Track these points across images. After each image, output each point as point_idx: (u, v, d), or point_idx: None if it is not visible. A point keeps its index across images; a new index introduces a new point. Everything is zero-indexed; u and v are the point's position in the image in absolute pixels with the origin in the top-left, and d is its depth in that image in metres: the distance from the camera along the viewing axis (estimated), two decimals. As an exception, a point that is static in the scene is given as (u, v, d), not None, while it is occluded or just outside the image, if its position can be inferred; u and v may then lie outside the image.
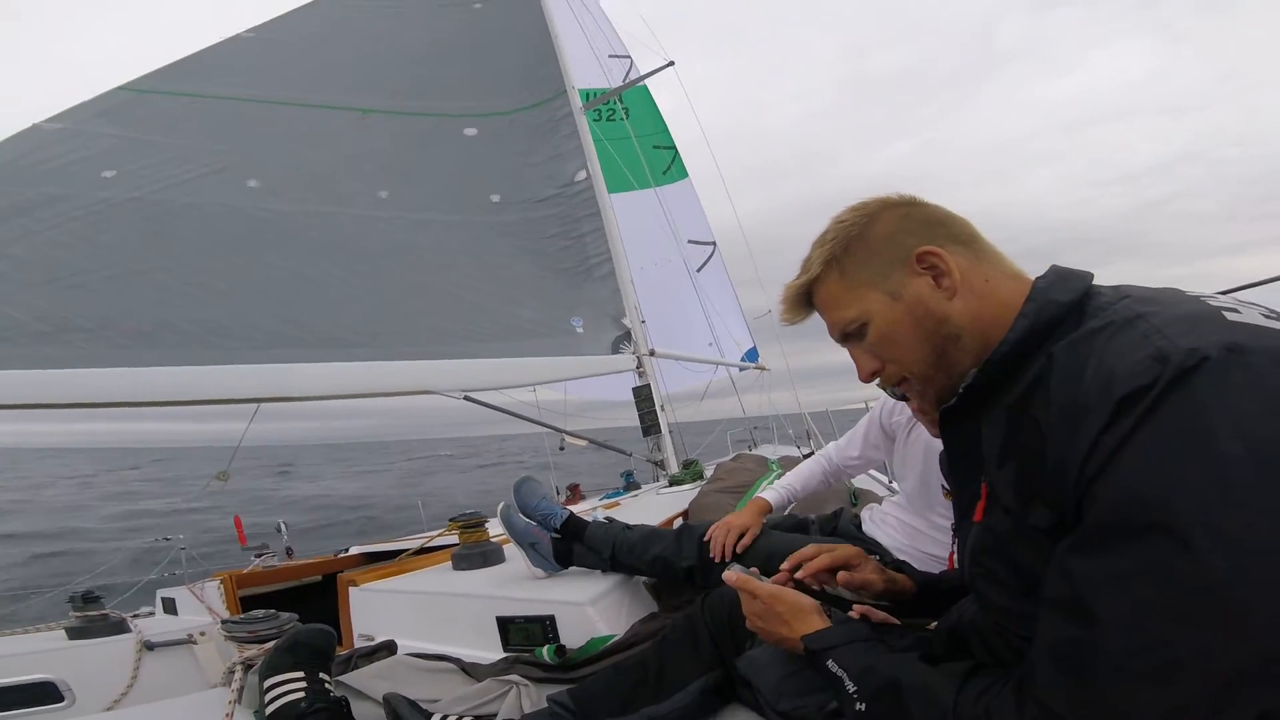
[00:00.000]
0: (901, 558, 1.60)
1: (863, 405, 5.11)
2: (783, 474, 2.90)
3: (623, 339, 4.35)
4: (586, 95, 5.89)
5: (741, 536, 1.65)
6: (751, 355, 8.07)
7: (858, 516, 1.85)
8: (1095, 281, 0.76)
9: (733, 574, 1.04)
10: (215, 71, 4.05)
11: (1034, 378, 0.69)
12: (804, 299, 0.91)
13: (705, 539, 1.70)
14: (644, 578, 1.80)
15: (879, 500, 1.91)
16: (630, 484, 4.63)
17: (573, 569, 1.80)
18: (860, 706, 0.81)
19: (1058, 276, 0.77)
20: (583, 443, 4.32)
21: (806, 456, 4.78)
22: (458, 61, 5.20)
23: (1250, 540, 0.54)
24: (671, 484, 3.77)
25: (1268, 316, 0.65)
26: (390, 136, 4.42)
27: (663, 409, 4.48)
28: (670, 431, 4.52)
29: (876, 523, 1.76)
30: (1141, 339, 0.63)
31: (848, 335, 0.88)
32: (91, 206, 3.00)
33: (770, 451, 5.10)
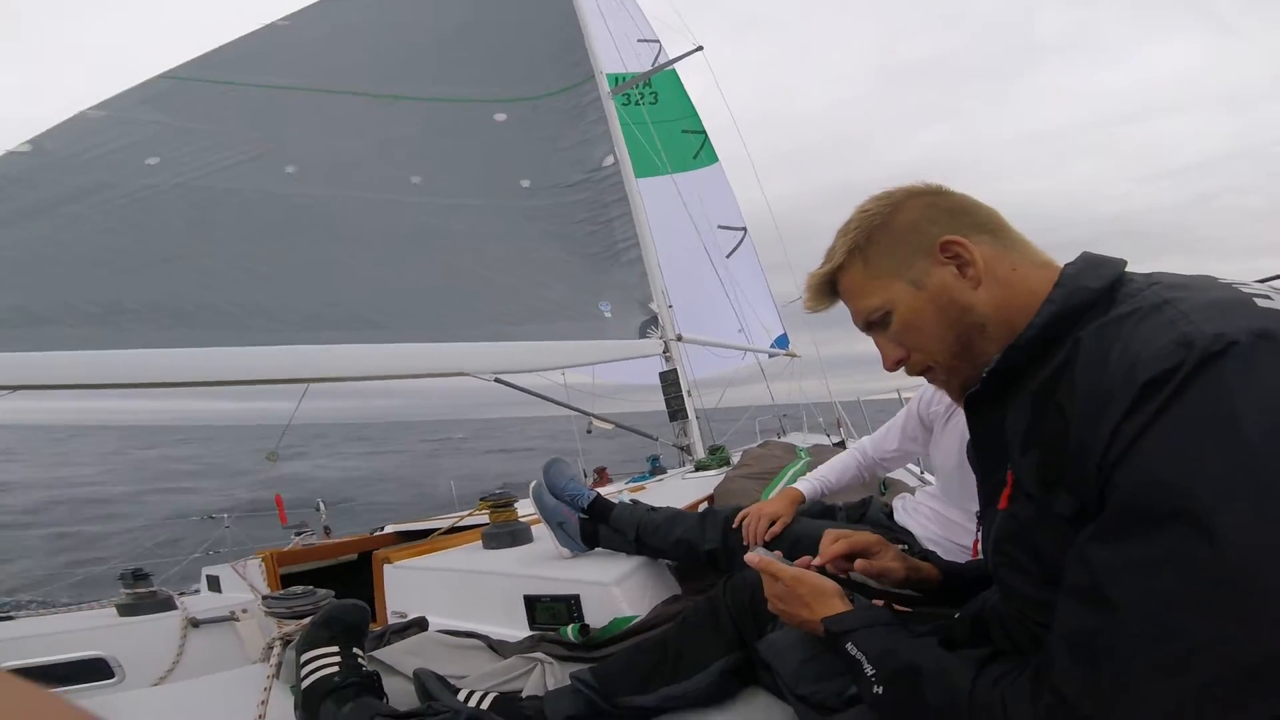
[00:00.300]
0: (933, 548, 1.58)
1: (895, 395, 5.07)
2: (811, 462, 2.89)
3: (650, 323, 4.37)
4: (615, 80, 5.86)
5: (773, 525, 1.66)
6: (782, 342, 8.00)
7: (888, 505, 1.84)
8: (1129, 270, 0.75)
9: (755, 556, 1.05)
10: (252, 59, 4.13)
11: (1060, 363, 0.69)
12: (828, 287, 0.92)
13: (735, 524, 1.71)
14: (667, 560, 1.83)
15: (910, 490, 1.90)
16: (656, 468, 4.66)
17: (598, 550, 1.83)
18: (878, 689, 0.82)
19: (1087, 263, 0.76)
20: (609, 426, 4.35)
21: (837, 445, 4.77)
22: (486, 47, 5.22)
23: (1274, 528, 0.53)
24: (697, 469, 3.79)
25: None
26: (421, 122, 4.48)
27: (689, 394, 4.49)
28: (697, 417, 4.54)
29: (909, 512, 1.74)
30: (1167, 324, 0.62)
31: (871, 324, 0.88)
32: (136, 193, 3.10)
33: (800, 439, 5.07)
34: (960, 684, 0.74)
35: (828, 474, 1.95)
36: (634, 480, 4.20)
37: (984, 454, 0.85)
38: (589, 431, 4.54)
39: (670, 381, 4.44)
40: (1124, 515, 0.60)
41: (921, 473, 3.35)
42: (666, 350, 4.38)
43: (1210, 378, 0.57)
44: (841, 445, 4.85)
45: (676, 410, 4.43)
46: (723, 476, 2.98)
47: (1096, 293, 0.72)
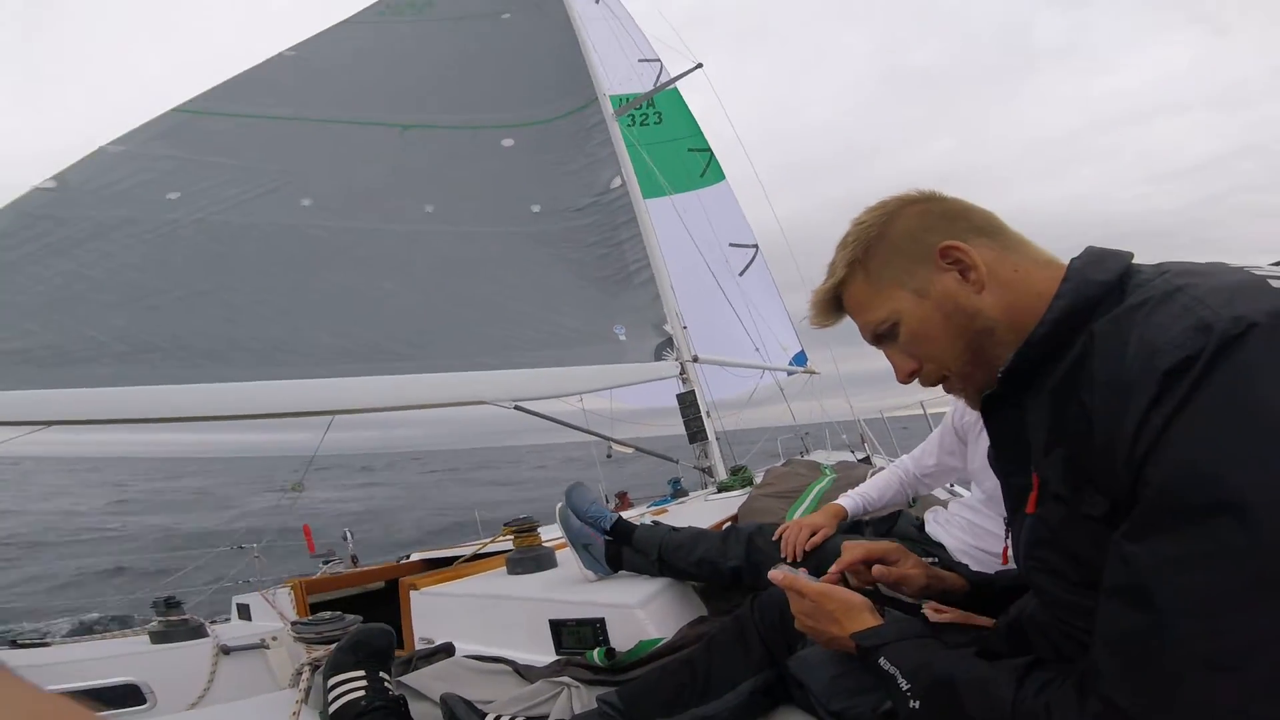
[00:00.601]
0: (966, 560, 1.55)
1: (920, 411, 5.01)
2: (837, 479, 2.86)
3: (665, 345, 4.36)
4: (618, 101, 5.93)
5: (812, 536, 1.64)
6: (800, 359, 7.95)
7: (919, 518, 1.81)
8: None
9: (779, 573, 1.03)
10: (261, 91, 4.23)
11: (1076, 358, 0.67)
12: (833, 303, 0.91)
13: (775, 537, 1.68)
14: (692, 581, 1.81)
15: (943, 503, 1.88)
16: (678, 491, 4.63)
17: (622, 572, 1.82)
18: (914, 704, 0.79)
19: (1094, 257, 0.75)
20: (629, 450, 4.34)
21: (862, 461, 4.71)
22: (489, 73, 5.32)
23: None
24: (720, 490, 3.77)
25: None
26: (431, 151, 4.55)
27: (708, 415, 4.47)
28: (717, 438, 4.51)
29: (942, 524, 1.71)
30: (1183, 310, 0.61)
31: (880, 336, 0.87)
32: (159, 229, 3.17)
33: (824, 457, 5.01)
34: (1002, 695, 0.72)
35: (869, 490, 1.92)
36: (656, 504, 4.17)
37: (1005, 457, 0.83)
38: (609, 456, 4.52)
39: (688, 403, 4.42)
40: (1159, 510, 0.58)
41: (952, 486, 3.30)
42: (683, 372, 4.37)
43: (1233, 361, 0.56)
44: (867, 461, 4.80)
45: (696, 432, 4.41)
46: (746, 496, 2.95)
47: (1106, 285, 0.70)
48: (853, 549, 1.12)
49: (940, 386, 0.86)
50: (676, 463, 4.49)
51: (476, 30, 5.70)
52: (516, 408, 3.47)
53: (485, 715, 1.20)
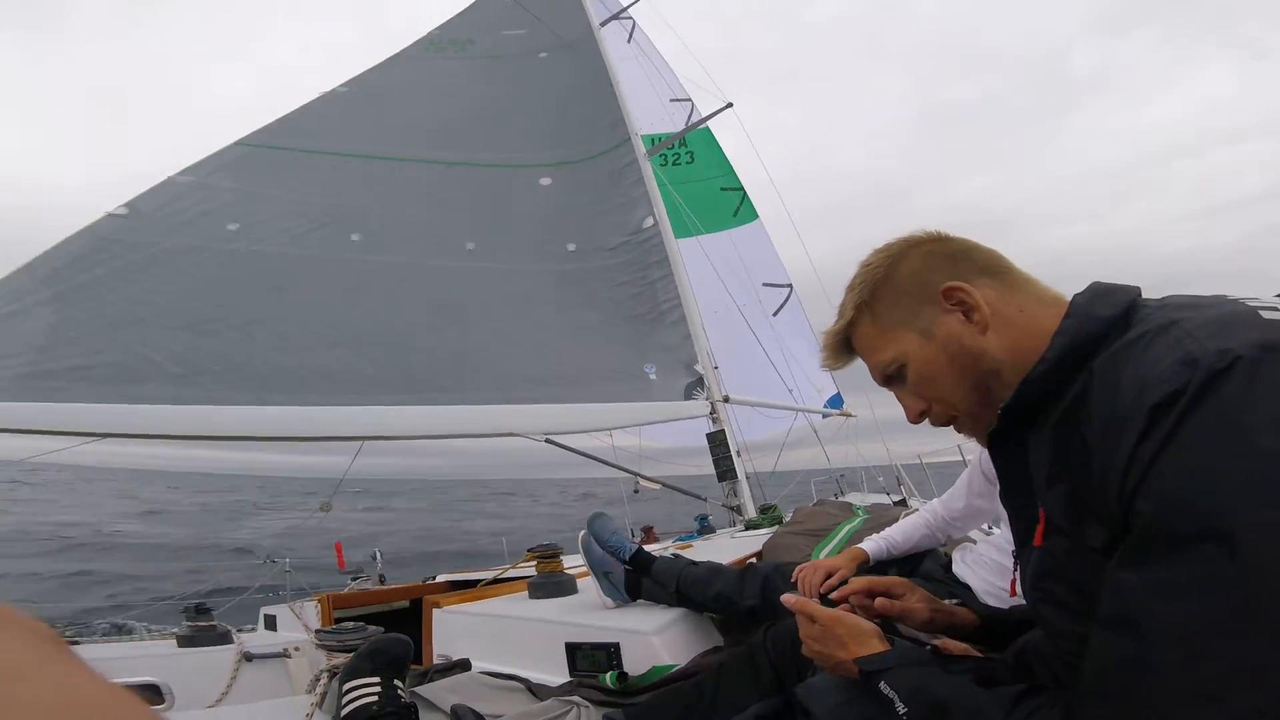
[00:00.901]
0: (993, 601, 1.52)
1: (958, 455, 4.88)
2: (870, 519, 2.81)
3: (695, 385, 4.39)
4: (650, 141, 6.05)
5: (828, 577, 1.63)
6: (835, 402, 7.82)
7: (947, 556, 1.79)
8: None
9: (792, 597, 1.04)
10: (315, 127, 4.52)
11: (1076, 394, 0.68)
12: (843, 344, 0.93)
13: (792, 579, 1.67)
14: (710, 614, 1.81)
15: (973, 541, 1.85)
16: (705, 528, 4.59)
17: (641, 601, 1.83)
18: None
19: (1097, 293, 0.75)
20: (656, 486, 4.34)
21: (898, 504, 4.59)
22: (526, 111, 5.53)
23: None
24: (748, 528, 3.73)
25: None
26: (472, 188, 4.75)
27: (739, 454, 4.45)
28: (747, 477, 4.48)
29: (969, 564, 1.69)
30: (1174, 344, 0.62)
31: (889, 378, 0.88)
32: (220, 259, 3.37)
33: (858, 498, 4.90)
34: (993, 719, 0.72)
35: (894, 534, 1.90)
36: (681, 539, 4.15)
37: (1011, 491, 0.84)
38: (635, 491, 4.53)
39: (718, 442, 4.41)
40: (1148, 539, 0.59)
41: (989, 528, 3.22)
42: (713, 411, 4.38)
43: (1218, 395, 0.57)
44: (903, 504, 4.69)
45: (725, 471, 4.39)
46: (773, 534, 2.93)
47: (1109, 321, 0.71)
48: (856, 581, 1.13)
49: (952, 427, 0.87)
50: (704, 500, 4.46)
51: (514, 69, 5.95)
52: (548, 440, 3.53)
53: None
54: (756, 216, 8.02)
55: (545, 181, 5.09)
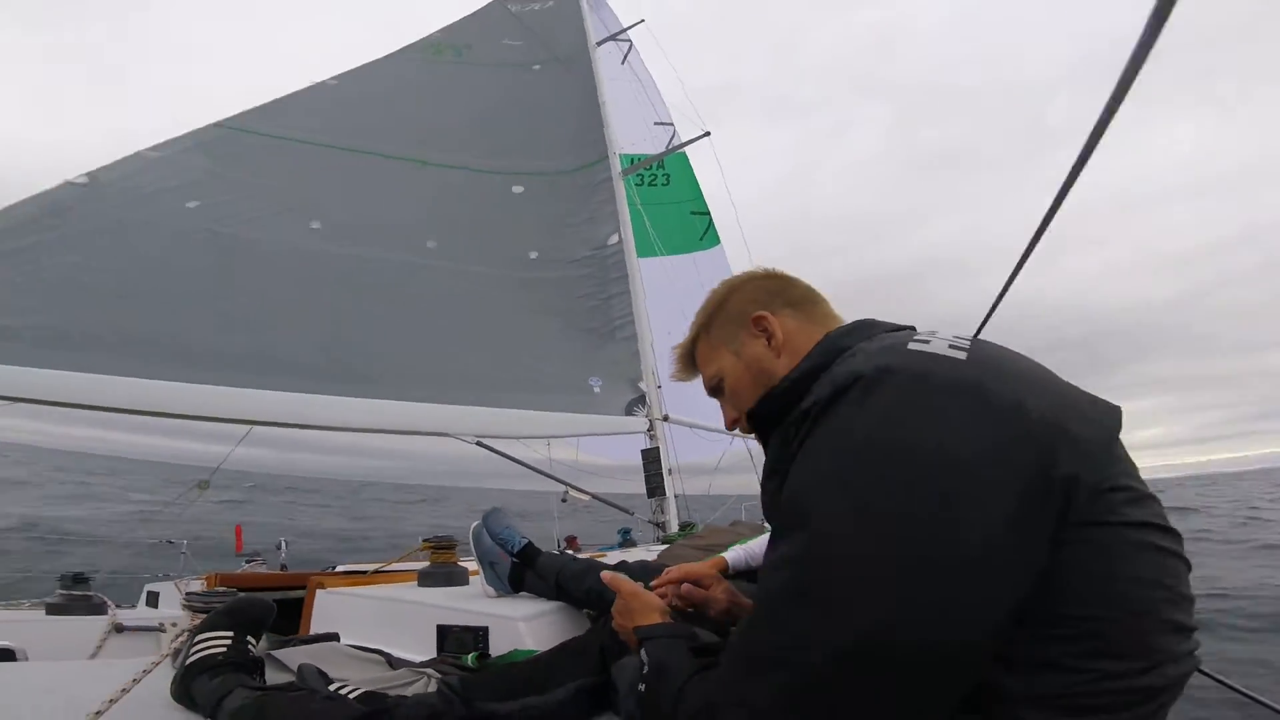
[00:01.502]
0: None
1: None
2: (766, 537, 2.92)
3: (637, 402, 4.48)
4: (629, 160, 6.16)
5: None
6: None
7: None
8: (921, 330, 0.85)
9: (608, 573, 1.17)
10: (300, 115, 4.51)
11: (804, 408, 0.79)
12: (689, 359, 1.09)
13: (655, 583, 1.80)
14: (587, 609, 1.87)
15: None
16: (626, 541, 4.71)
17: (523, 594, 1.89)
18: (641, 687, 0.90)
19: (852, 327, 0.89)
20: (585, 497, 4.44)
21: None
22: (512, 121, 5.59)
23: (843, 528, 0.62)
24: (664, 543, 3.85)
25: (953, 346, 0.73)
26: (443, 188, 4.79)
27: (670, 472, 4.58)
28: (677, 497, 4.61)
29: None
30: (840, 368, 0.75)
31: (713, 389, 1.04)
32: (171, 235, 3.38)
33: None
34: (678, 680, 0.82)
35: (754, 546, 2.02)
36: (602, 549, 4.26)
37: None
38: (564, 500, 4.62)
39: (652, 458, 4.52)
40: (778, 525, 0.73)
41: None
42: (651, 428, 4.49)
43: (834, 408, 0.70)
44: None
45: (655, 487, 4.50)
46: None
47: (840, 351, 0.84)
48: (671, 570, 1.27)
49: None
50: (631, 514, 4.57)
51: (507, 79, 6.01)
52: (478, 443, 3.58)
53: (331, 682, 1.23)
54: (719, 242, 8.21)
55: (518, 189, 5.14)
